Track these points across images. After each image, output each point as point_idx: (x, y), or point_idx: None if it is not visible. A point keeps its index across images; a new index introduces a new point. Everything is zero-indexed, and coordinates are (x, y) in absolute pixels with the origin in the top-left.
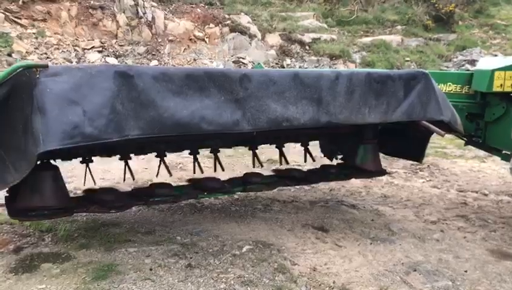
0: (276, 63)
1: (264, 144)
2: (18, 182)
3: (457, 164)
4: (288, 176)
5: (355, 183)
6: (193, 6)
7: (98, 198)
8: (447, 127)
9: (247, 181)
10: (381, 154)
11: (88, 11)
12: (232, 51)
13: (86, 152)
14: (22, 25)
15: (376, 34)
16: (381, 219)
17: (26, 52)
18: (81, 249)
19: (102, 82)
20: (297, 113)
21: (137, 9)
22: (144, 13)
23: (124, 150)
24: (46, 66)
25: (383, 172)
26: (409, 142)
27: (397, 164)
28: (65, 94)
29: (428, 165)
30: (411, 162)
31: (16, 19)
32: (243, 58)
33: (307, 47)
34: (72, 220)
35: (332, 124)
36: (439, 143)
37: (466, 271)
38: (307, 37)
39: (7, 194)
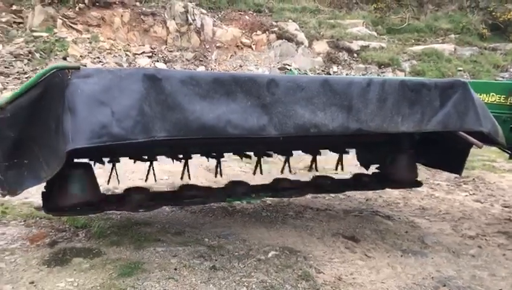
0: (323, 70)
1: (299, 150)
2: (53, 179)
3: (505, 179)
4: (317, 184)
5: (393, 194)
6: (242, 13)
7: (129, 197)
8: (488, 139)
9: (275, 187)
10: (424, 166)
11: (140, 17)
12: (278, 58)
13: (116, 153)
14: (77, 30)
15: (428, 43)
16: (416, 231)
17: (80, 56)
18: (112, 246)
19: (131, 84)
20: (326, 120)
21: (187, 16)
22: (194, 20)
23: (166, 152)
24: (78, 68)
25: (418, 183)
26: (449, 153)
27: (441, 176)
28: (95, 95)
29: (473, 179)
30: (455, 174)
31: (72, 25)
32: (288, 65)
33: (355, 54)
34: (106, 218)
35: (363, 131)
36: (488, 156)
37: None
38: (355, 45)
39: (44, 190)
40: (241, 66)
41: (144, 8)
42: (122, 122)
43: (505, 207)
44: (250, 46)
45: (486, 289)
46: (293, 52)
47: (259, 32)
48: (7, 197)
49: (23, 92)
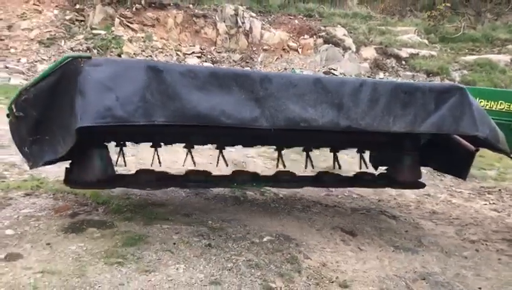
0: (369, 76)
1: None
2: (75, 157)
3: None
4: (317, 179)
5: (408, 197)
6: (291, 17)
7: (138, 177)
8: (487, 144)
9: (277, 178)
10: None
11: (192, 19)
12: (324, 62)
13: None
14: (133, 29)
15: (482, 53)
16: (416, 232)
17: (134, 53)
18: (124, 221)
19: (135, 74)
20: (316, 115)
21: (236, 19)
22: (243, 23)
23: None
24: (90, 58)
25: (421, 185)
26: (455, 158)
27: (466, 185)
28: (102, 81)
29: (500, 189)
30: (482, 184)
31: (128, 24)
32: (334, 70)
33: (403, 62)
34: (126, 197)
35: (353, 129)
36: None
37: (480, 288)
38: (404, 52)
39: (67, 167)
40: (285, 68)
41: (196, 10)
42: (125, 106)
43: None
44: (296, 50)
45: (465, 286)
46: (339, 57)
47: (306, 36)
48: (44, 174)
49: (44, 76)
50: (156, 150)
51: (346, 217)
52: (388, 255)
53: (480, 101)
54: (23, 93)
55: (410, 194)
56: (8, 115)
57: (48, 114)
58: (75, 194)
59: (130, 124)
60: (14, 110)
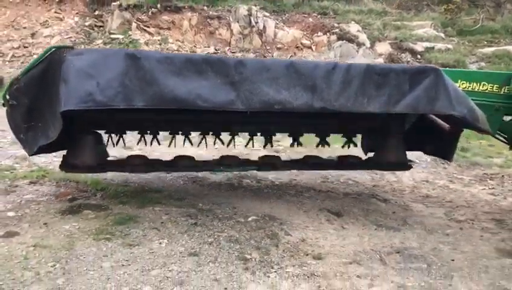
0: None
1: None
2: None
3: None
4: (303, 162)
5: (406, 183)
6: (305, 15)
7: (128, 162)
8: (465, 123)
9: (263, 162)
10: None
11: (206, 20)
12: (337, 58)
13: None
14: (149, 33)
15: (502, 44)
16: (404, 213)
17: None
18: (119, 205)
19: (114, 62)
20: (290, 98)
21: (250, 19)
22: (256, 22)
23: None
24: (72, 48)
25: (407, 165)
26: (440, 140)
27: (469, 172)
28: (84, 69)
29: (502, 175)
30: (485, 171)
31: (145, 27)
32: None
33: (418, 56)
34: (125, 185)
35: (327, 110)
36: None
37: (453, 260)
38: (420, 46)
39: (64, 154)
40: None
41: (210, 12)
42: (105, 92)
43: None
44: (310, 47)
45: (438, 259)
46: (353, 53)
47: (320, 33)
48: (51, 166)
49: (32, 66)
50: (143, 136)
51: (337, 201)
52: (369, 233)
53: (462, 83)
54: (15, 82)
55: (408, 180)
56: (3, 104)
57: (39, 101)
58: (77, 182)
59: (110, 107)
60: (8, 99)
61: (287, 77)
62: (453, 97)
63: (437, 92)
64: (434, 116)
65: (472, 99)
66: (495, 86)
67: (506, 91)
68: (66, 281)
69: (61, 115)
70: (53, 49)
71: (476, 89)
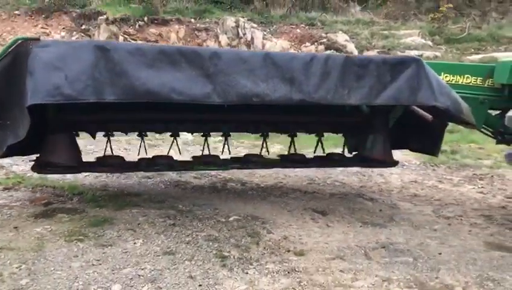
0: None
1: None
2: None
3: None
4: (286, 160)
5: (393, 183)
6: (293, 26)
7: (106, 162)
8: (448, 115)
9: (245, 160)
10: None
11: (194, 32)
12: None
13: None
14: None
15: (489, 52)
16: (391, 211)
17: None
18: (96, 208)
19: (83, 54)
20: (268, 90)
21: (237, 31)
22: (244, 34)
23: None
24: (38, 39)
25: (392, 162)
26: (425, 136)
27: (458, 173)
28: (51, 62)
29: (492, 176)
30: (476, 172)
31: (132, 41)
32: None
33: None
34: (103, 189)
35: (306, 102)
36: None
37: (440, 253)
38: (407, 54)
39: (37, 155)
40: None
41: (198, 24)
42: (73, 85)
43: (508, 198)
44: None
45: (425, 253)
46: None
47: (308, 43)
48: (30, 173)
49: None
50: (108, 139)
51: (323, 201)
52: (355, 230)
53: (446, 76)
54: None
55: (396, 181)
56: None
57: (7, 98)
58: (54, 187)
59: (80, 101)
60: None
61: (264, 68)
62: (436, 88)
63: (419, 83)
64: (418, 110)
65: (456, 92)
66: (479, 78)
67: (490, 84)
68: (30, 282)
69: (31, 112)
70: (19, 41)
71: (459, 82)
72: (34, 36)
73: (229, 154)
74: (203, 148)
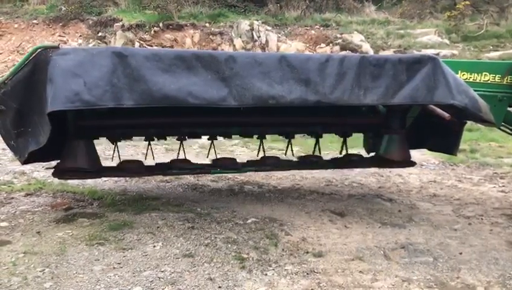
0: None
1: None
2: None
3: None
4: (306, 161)
5: (412, 183)
6: (308, 28)
7: (122, 166)
8: (467, 114)
9: (263, 163)
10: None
11: (209, 37)
12: None
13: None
14: None
15: (508, 48)
16: (410, 211)
17: None
18: (116, 212)
19: (101, 60)
20: (284, 92)
21: (252, 34)
22: (259, 36)
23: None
24: (58, 47)
25: (410, 163)
26: (444, 135)
27: (478, 172)
28: (70, 69)
29: None
30: (497, 170)
31: (147, 46)
32: None
33: None
34: (122, 194)
35: (323, 103)
36: None
37: (461, 253)
38: (423, 53)
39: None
40: None
41: (212, 28)
42: (92, 91)
43: None
44: None
45: (446, 252)
46: None
47: (323, 44)
48: (50, 179)
49: (18, 68)
50: (149, 143)
51: (341, 202)
52: (373, 231)
53: (463, 74)
54: (2, 86)
55: (414, 181)
56: None
57: (28, 105)
58: (74, 192)
59: (99, 107)
60: None
61: (280, 70)
62: (453, 86)
63: (436, 81)
64: (435, 108)
65: (474, 90)
66: (497, 76)
67: (509, 81)
68: (53, 285)
69: (51, 119)
70: (39, 50)
71: (477, 80)
72: (53, 44)
73: (262, 153)
74: (213, 151)
